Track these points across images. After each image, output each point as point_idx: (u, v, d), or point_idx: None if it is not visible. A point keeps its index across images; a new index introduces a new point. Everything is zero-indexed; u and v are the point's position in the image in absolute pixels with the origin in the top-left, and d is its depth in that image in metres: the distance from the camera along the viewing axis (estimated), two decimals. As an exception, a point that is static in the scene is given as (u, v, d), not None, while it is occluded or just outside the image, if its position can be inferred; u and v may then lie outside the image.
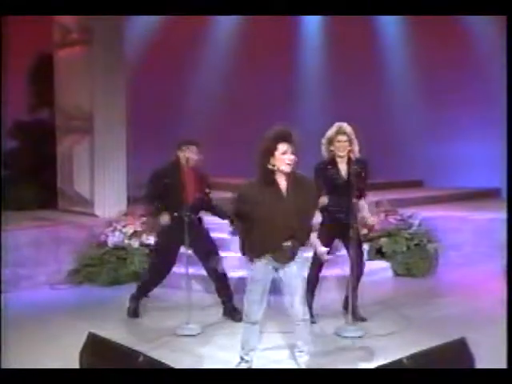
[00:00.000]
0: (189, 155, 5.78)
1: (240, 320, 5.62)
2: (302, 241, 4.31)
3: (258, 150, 4.20)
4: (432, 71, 10.82)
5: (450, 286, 7.23)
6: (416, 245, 7.74)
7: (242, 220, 4.30)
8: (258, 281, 4.33)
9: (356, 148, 5.68)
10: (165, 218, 5.87)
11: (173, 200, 5.78)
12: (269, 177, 4.20)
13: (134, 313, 6.06)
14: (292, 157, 4.17)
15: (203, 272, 6.13)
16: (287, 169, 4.18)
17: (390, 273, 7.66)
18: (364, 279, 5.97)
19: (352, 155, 5.67)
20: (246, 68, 11.28)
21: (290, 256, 4.29)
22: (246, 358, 4.53)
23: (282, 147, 4.17)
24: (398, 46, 11.51)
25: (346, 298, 5.87)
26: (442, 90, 10.77)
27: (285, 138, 4.18)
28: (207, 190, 5.96)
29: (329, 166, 5.69)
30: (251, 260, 4.31)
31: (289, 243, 4.24)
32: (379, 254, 7.73)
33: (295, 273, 4.34)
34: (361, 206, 5.79)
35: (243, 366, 4.52)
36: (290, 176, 4.22)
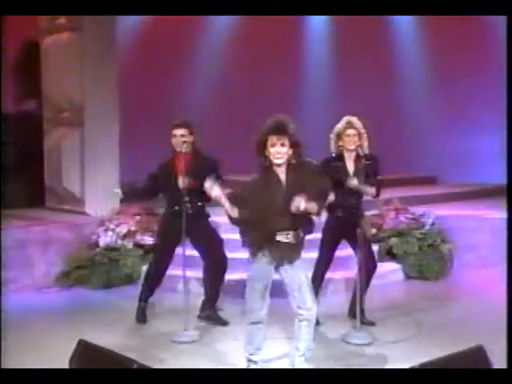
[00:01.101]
0: (173, 140, 5.84)
1: (223, 324, 5.90)
2: (304, 230, 4.39)
3: (255, 144, 4.35)
4: (449, 61, 10.86)
5: (466, 290, 7.27)
6: (429, 245, 7.79)
7: (244, 218, 4.37)
8: (258, 278, 4.43)
9: (365, 143, 5.75)
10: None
11: (169, 192, 5.89)
12: (265, 170, 4.34)
13: (138, 317, 6.11)
14: (282, 149, 4.28)
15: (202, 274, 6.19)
16: (278, 161, 4.31)
17: (400, 275, 7.71)
18: (373, 282, 6.02)
19: (360, 150, 5.75)
20: (248, 64, 11.34)
21: (289, 252, 4.38)
22: (253, 358, 4.60)
23: (271, 140, 4.29)
24: (409, 37, 11.56)
25: (351, 303, 5.95)
26: (459, 79, 10.82)
27: (275, 129, 4.29)
28: (204, 171, 5.72)
29: (335, 162, 5.77)
30: (252, 254, 4.40)
31: (286, 237, 4.33)
32: (389, 255, 7.78)
33: (297, 269, 4.43)
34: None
35: (251, 367, 4.62)
36: (289, 166, 4.33)
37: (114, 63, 8.30)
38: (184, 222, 5.61)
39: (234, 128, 10.40)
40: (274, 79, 11.38)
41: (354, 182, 5.63)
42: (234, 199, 4.35)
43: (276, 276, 4.53)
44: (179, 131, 5.83)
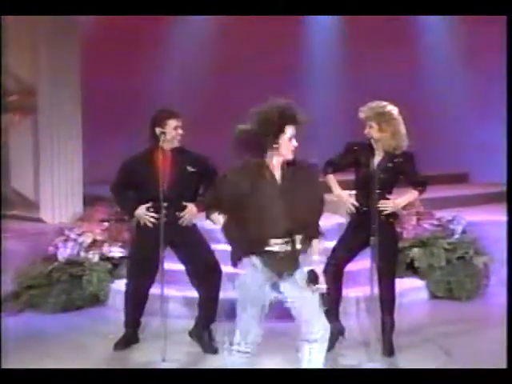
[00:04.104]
0: (167, 131, 5.95)
1: (212, 352, 6.00)
2: (303, 241, 4.50)
3: (257, 131, 4.39)
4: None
5: (504, 312, 7.37)
6: (459, 258, 7.89)
7: (224, 212, 4.53)
8: (254, 300, 4.51)
9: (402, 143, 5.88)
10: (141, 212, 6.04)
11: (147, 194, 5.99)
12: (258, 166, 4.44)
13: (117, 345, 6.20)
14: (296, 143, 4.43)
15: (184, 292, 6.28)
16: (291, 156, 4.44)
17: (424, 294, 7.83)
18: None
19: (373, 142, 5.89)
20: (246, 63, 11.50)
21: (285, 264, 4.48)
22: None
23: (291, 131, 4.42)
24: (437, 21, 11.75)
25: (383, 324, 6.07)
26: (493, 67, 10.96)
27: (294, 119, 4.41)
28: (190, 169, 5.99)
29: (362, 149, 5.95)
30: (235, 264, 4.53)
31: (283, 244, 4.45)
32: (411, 269, 7.87)
33: (299, 282, 4.51)
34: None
35: None
36: (286, 161, 4.46)
37: (76, 36, 8.38)
38: (162, 232, 5.74)
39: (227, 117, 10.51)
40: (273, 78, 11.54)
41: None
42: (216, 200, 4.54)
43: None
44: (180, 122, 5.99)
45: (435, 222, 8.16)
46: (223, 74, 11.34)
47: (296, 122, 4.41)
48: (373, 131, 5.86)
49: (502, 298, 7.70)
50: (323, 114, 10.37)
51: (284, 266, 4.49)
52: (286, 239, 4.45)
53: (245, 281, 4.53)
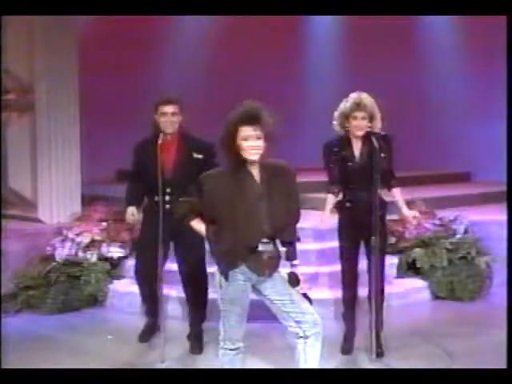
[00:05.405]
0: (164, 118, 5.97)
1: (199, 353, 6.00)
2: (285, 239, 4.59)
3: (220, 136, 4.45)
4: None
5: (508, 313, 7.39)
6: (461, 258, 7.89)
7: (205, 219, 4.58)
8: (236, 299, 4.57)
9: (379, 125, 5.86)
10: (129, 214, 6.18)
11: (150, 182, 5.96)
12: (236, 169, 4.45)
13: (141, 336, 6.30)
14: (258, 143, 4.40)
15: (183, 293, 6.33)
16: (253, 157, 4.43)
17: (426, 294, 7.82)
18: (393, 302, 6.13)
19: (356, 136, 5.88)
20: (244, 64, 11.55)
21: (271, 264, 4.54)
22: None
23: (245, 132, 4.40)
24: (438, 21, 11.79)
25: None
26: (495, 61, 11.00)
27: (248, 120, 4.40)
28: (196, 156, 5.98)
29: (340, 148, 5.90)
30: (224, 274, 4.54)
31: (267, 246, 4.51)
32: (412, 269, 7.88)
33: (279, 281, 4.58)
34: (394, 195, 6.04)
35: None
36: (263, 164, 4.47)
37: (73, 36, 8.40)
38: (161, 220, 5.74)
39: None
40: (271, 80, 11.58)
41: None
42: (196, 207, 4.54)
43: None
44: (170, 108, 5.99)
45: (437, 222, 8.17)
46: (222, 72, 11.37)
47: (251, 122, 4.38)
48: (366, 122, 5.80)
49: (504, 299, 7.74)
50: (323, 113, 10.35)
51: (267, 265, 4.53)
52: (268, 240, 4.50)
53: (225, 280, 4.56)
